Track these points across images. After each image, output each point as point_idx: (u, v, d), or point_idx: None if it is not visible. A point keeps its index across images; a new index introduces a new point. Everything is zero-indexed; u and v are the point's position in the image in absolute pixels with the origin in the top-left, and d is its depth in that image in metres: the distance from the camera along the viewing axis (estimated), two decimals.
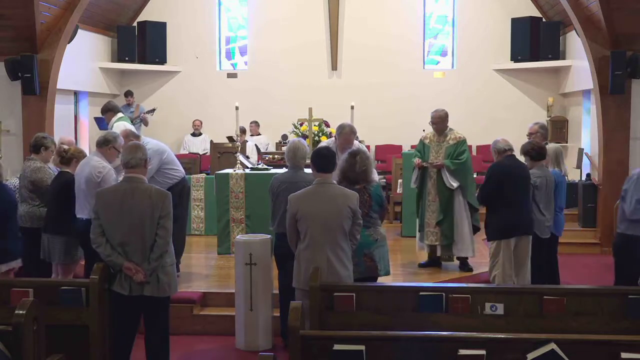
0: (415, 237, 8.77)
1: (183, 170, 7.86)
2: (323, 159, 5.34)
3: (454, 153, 7.94)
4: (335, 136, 7.65)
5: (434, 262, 8.25)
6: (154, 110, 13.05)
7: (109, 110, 8.76)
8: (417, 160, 8.07)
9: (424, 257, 8.47)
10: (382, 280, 6.05)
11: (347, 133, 7.35)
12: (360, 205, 5.38)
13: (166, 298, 5.10)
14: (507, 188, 6.57)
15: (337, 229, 5.20)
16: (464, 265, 8.12)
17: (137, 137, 7.51)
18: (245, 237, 6.64)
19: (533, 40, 13.40)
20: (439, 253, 8.16)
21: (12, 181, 7.46)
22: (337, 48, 14.21)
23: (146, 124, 12.94)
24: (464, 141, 8.05)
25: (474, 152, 13.71)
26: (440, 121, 8.03)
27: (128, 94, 13.54)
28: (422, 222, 8.19)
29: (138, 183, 4.99)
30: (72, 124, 12.88)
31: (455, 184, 7.90)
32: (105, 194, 5.06)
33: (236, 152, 9.42)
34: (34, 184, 6.72)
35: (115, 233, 4.92)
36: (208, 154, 12.87)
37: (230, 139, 11.32)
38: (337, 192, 5.30)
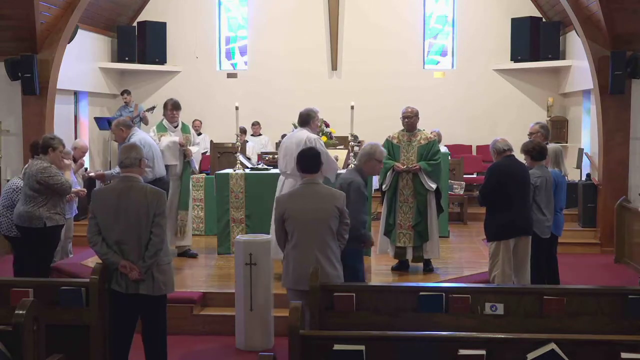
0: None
1: (163, 170, 7.96)
2: (307, 160, 5.34)
3: (428, 153, 7.72)
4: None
5: (403, 265, 8.00)
6: (154, 107, 13.03)
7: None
8: (397, 165, 7.71)
9: (387, 259, 8.22)
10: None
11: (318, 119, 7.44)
12: None
13: (162, 297, 5.09)
14: (506, 188, 6.53)
15: (324, 229, 5.20)
16: (427, 265, 7.94)
17: (129, 127, 7.56)
18: (245, 237, 6.64)
19: (533, 40, 13.40)
20: (408, 256, 7.87)
21: (13, 181, 7.45)
22: (337, 48, 14.21)
23: (146, 122, 12.94)
24: (435, 141, 7.93)
25: (474, 152, 13.72)
26: (413, 115, 7.84)
27: (125, 92, 13.53)
28: (392, 224, 7.83)
29: (133, 182, 5.01)
30: (72, 124, 12.88)
31: (434, 185, 7.72)
32: (102, 193, 5.09)
33: (236, 152, 9.41)
34: (40, 182, 6.67)
35: (111, 232, 4.93)
36: (208, 153, 12.86)
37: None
38: (324, 192, 5.31)
